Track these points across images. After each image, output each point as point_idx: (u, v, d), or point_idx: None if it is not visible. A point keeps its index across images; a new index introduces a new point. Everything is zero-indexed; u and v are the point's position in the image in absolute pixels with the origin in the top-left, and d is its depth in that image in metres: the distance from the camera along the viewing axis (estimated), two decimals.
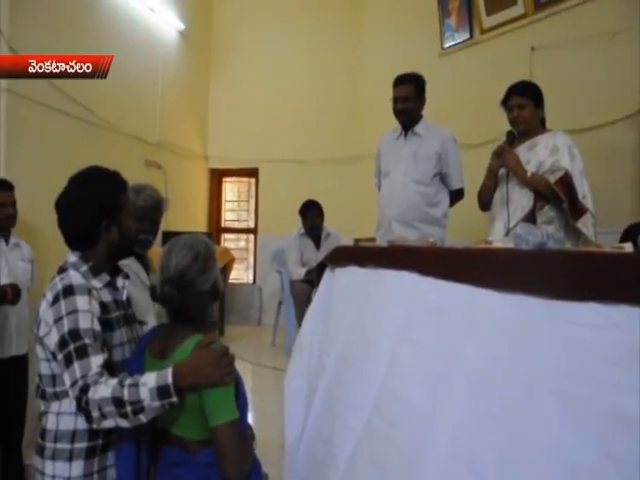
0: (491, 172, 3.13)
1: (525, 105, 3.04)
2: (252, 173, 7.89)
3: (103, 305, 1.61)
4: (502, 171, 3.09)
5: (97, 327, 1.54)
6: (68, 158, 4.61)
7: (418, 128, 3.59)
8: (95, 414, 1.42)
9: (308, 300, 3.04)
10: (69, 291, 1.55)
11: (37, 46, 4.32)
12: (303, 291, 5.31)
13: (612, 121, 3.98)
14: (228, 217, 8.29)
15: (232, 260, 6.73)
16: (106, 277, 1.69)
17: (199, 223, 7.53)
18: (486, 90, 5.18)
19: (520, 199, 2.96)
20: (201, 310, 1.67)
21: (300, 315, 4.91)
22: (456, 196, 3.72)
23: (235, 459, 1.48)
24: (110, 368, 1.52)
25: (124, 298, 1.76)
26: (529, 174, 2.93)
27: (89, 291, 1.57)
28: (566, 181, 2.86)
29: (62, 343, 1.50)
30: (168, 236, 2.55)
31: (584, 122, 3.93)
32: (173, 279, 1.61)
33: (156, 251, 2.13)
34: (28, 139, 4.17)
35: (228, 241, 8.25)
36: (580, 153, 2.96)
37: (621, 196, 3.75)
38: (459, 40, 5.59)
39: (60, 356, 1.50)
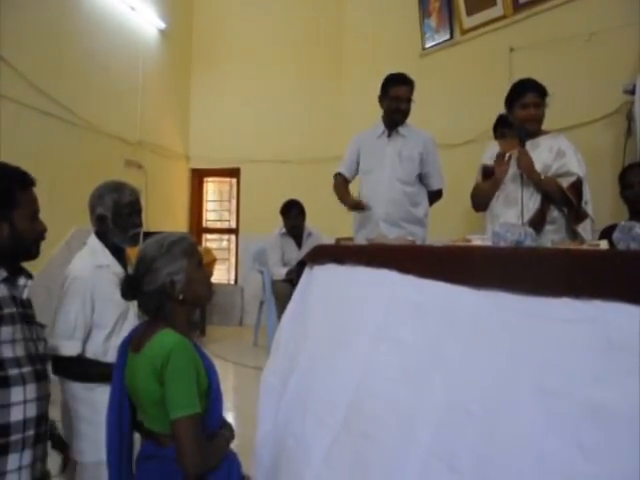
0: (497, 180, 3.07)
1: (540, 104, 3.01)
2: (233, 173, 7.87)
3: None
4: (514, 172, 3.03)
5: None
6: (48, 158, 4.58)
7: (402, 129, 3.64)
8: None
9: (289, 300, 3.04)
10: None
11: (21, 48, 4.28)
12: (284, 291, 5.30)
13: (591, 121, 4.03)
14: (209, 217, 8.25)
15: (214, 260, 6.70)
16: (3, 273, 1.62)
17: (180, 223, 7.50)
18: (466, 90, 5.24)
19: (527, 201, 2.96)
20: (155, 308, 1.64)
21: (281, 315, 4.89)
22: (435, 196, 3.76)
23: (192, 453, 1.48)
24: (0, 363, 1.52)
25: (24, 297, 1.69)
26: (542, 176, 2.92)
27: None
28: (577, 187, 2.88)
29: None
30: (149, 236, 2.53)
31: (563, 122, 3.96)
32: (128, 276, 1.69)
33: (133, 251, 2.12)
34: (7, 139, 4.12)
35: (210, 241, 8.22)
36: (583, 158, 2.97)
37: (601, 195, 3.79)
38: (439, 40, 5.63)
39: None
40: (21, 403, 1.55)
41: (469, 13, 5.18)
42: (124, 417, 1.69)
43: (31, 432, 1.59)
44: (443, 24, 5.54)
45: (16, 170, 1.68)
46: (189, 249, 1.68)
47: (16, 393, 1.54)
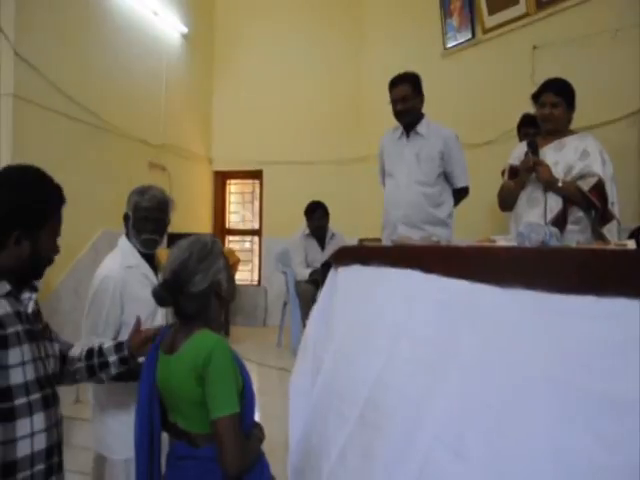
0: (522, 181, 3.07)
1: (558, 104, 2.99)
2: (256, 175, 7.91)
3: None
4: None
5: None
6: (73, 161, 4.65)
7: (420, 128, 3.57)
8: None
9: (313, 300, 3.05)
10: None
11: (42, 51, 4.35)
12: (308, 291, 5.32)
13: (615, 119, 3.98)
14: (232, 219, 8.31)
15: (237, 261, 6.74)
16: (6, 287, 1.47)
17: (203, 225, 7.56)
18: (489, 90, 5.21)
19: (549, 201, 2.94)
20: (200, 310, 1.65)
21: (305, 316, 4.92)
22: (461, 194, 3.70)
23: (233, 452, 1.50)
24: (6, 392, 1.38)
25: (29, 310, 1.53)
26: (560, 183, 2.89)
27: None
28: (599, 188, 2.85)
29: None
30: (173, 238, 2.56)
31: (587, 120, 3.92)
32: (166, 282, 1.65)
33: (163, 252, 2.16)
34: (34, 143, 4.21)
35: (233, 243, 8.27)
36: (610, 158, 2.94)
37: (625, 194, 3.74)
38: (461, 40, 5.60)
39: None
40: (28, 436, 1.42)
41: (491, 12, 5.15)
42: (155, 417, 1.71)
43: (41, 466, 1.46)
44: (465, 23, 5.52)
45: (52, 184, 1.57)
46: (222, 248, 1.74)
47: (22, 426, 1.41)
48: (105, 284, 2.18)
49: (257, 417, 3.94)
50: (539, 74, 4.05)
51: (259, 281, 7.89)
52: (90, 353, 1.88)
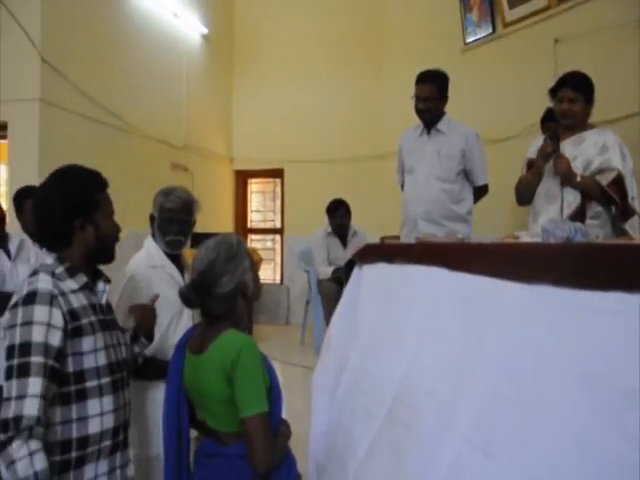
0: (537, 171, 3.04)
1: (576, 99, 2.94)
2: (277, 174, 7.94)
3: (72, 312, 1.54)
4: (550, 165, 3.00)
5: (52, 341, 1.46)
6: (98, 163, 4.66)
7: (441, 125, 3.56)
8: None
9: (336, 299, 3.05)
10: (30, 299, 1.48)
11: (67, 55, 4.42)
12: (330, 290, 5.33)
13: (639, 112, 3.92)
14: (254, 218, 8.35)
15: (259, 260, 6.77)
16: (83, 278, 1.63)
17: (226, 224, 7.61)
18: (510, 85, 5.16)
19: (567, 196, 2.91)
20: (227, 310, 1.67)
21: (328, 314, 4.93)
22: (481, 192, 3.70)
23: (263, 450, 1.52)
24: (80, 375, 1.53)
25: (103, 302, 1.70)
26: (578, 178, 2.86)
27: (52, 300, 1.50)
28: (619, 182, 2.82)
29: (9, 353, 1.44)
30: (196, 238, 2.58)
31: (612, 113, 3.87)
32: (194, 283, 1.67)
33: (189, 252, 2.18)
34: (59, 146, 4.27)
35: (255, 242, 8.32)
36: (629, 153, 2.91)
37: None
38: (481, 35, 5.57)
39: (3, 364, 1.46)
40: (98, 415, 1.57)
41: (511, 6, 5.11)
42: (182, 415, 1.73)
43: (107, 443, 1.60)
44: (485, 18, 5.48)
45: (92, 172, 1.75)
46: (247, 248, 1.75)
47: (93, 406, 1.56)
48: (131, 284, 2.21)
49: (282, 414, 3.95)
50: (561, 68, 3.99)
51: (281, 280, 7.93)
52: None
